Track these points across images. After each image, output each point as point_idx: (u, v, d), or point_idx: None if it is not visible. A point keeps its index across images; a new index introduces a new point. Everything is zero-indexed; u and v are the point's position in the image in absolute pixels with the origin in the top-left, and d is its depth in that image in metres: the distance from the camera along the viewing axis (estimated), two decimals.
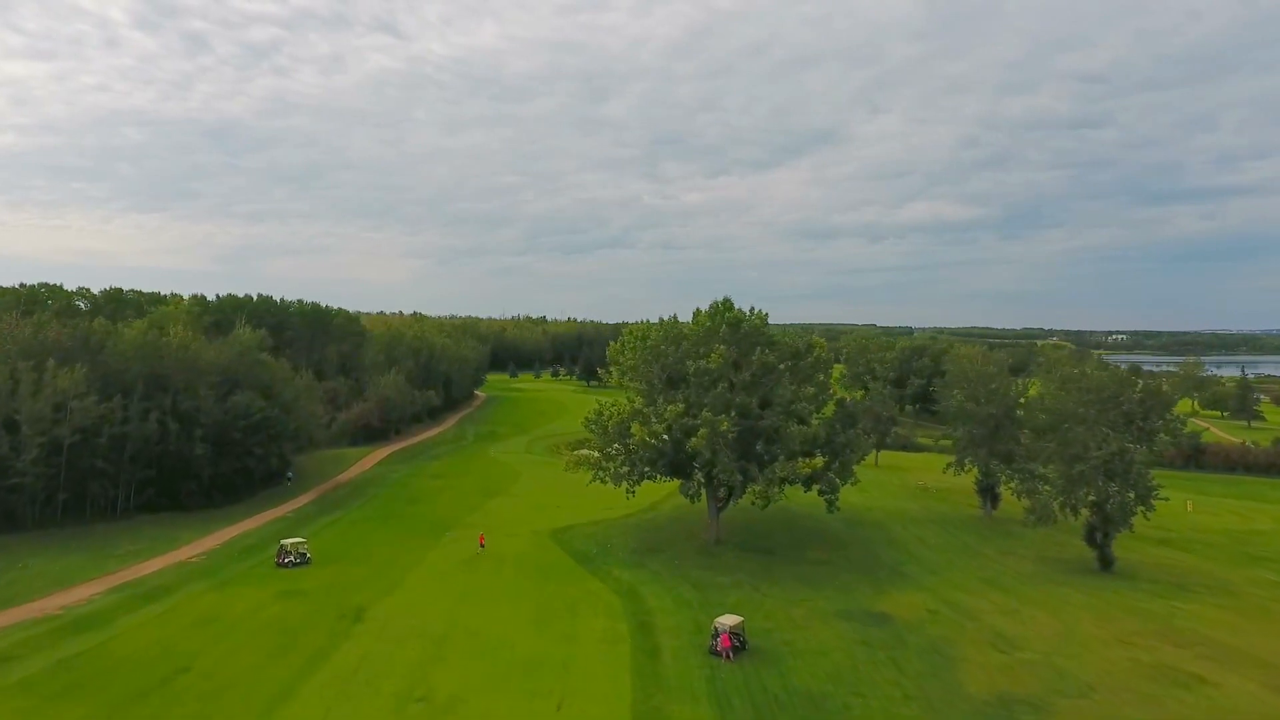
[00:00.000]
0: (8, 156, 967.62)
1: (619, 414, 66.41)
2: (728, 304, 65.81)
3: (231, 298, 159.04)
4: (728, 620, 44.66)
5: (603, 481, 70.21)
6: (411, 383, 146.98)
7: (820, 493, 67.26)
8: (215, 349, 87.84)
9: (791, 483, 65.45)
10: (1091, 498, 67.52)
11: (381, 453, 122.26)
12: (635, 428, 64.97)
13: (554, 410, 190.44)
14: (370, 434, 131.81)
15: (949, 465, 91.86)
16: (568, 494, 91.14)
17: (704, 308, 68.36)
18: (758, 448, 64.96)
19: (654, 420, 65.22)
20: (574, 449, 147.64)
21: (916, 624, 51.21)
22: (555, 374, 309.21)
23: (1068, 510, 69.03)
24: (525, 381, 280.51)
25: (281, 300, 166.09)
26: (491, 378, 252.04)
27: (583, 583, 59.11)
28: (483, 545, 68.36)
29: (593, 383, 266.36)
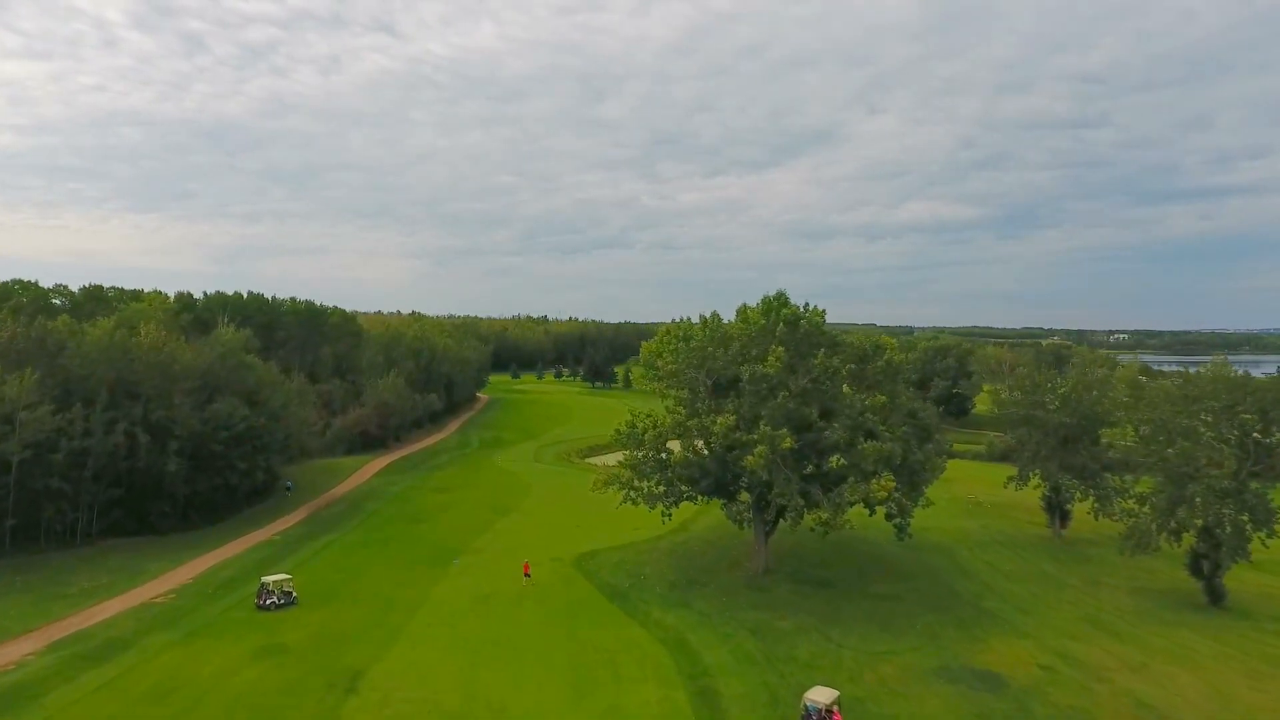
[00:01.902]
0: (4, 157, 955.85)
1: (657, 427, 57.10)
2: (782, 298, 56.68)
3: (219, 295, 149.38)
4: (821, 697, 35.41)
5: (634, 503, 60.94)
6: (411, 386, 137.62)
7: (888, 517, 58.02)
8: (193, 351, 78.37)
9: (851, 504, 56.23)
10: (1199, 521, 58.52)
11: (380, 462, 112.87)
12: (674, 443, 55.92)
13: (561, 414, 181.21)
14: (367, 442, 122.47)
15: (1011, 479, 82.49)
16: (586, 511, 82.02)
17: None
18: (815, 466, 55.92)
19: (695, 434, 56.07)
20: (585, 456, 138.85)
21: (1035, 687, 41.98)
22: (558, 375, 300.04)
23: (1169, 536, 60.13)
24: (528, 383, 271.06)
25: (273, 298, 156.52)
26: (493, 379, 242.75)
27: (620, 629, 49.81)
28: (528, 575, 59.97)
29: (598, 384, 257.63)
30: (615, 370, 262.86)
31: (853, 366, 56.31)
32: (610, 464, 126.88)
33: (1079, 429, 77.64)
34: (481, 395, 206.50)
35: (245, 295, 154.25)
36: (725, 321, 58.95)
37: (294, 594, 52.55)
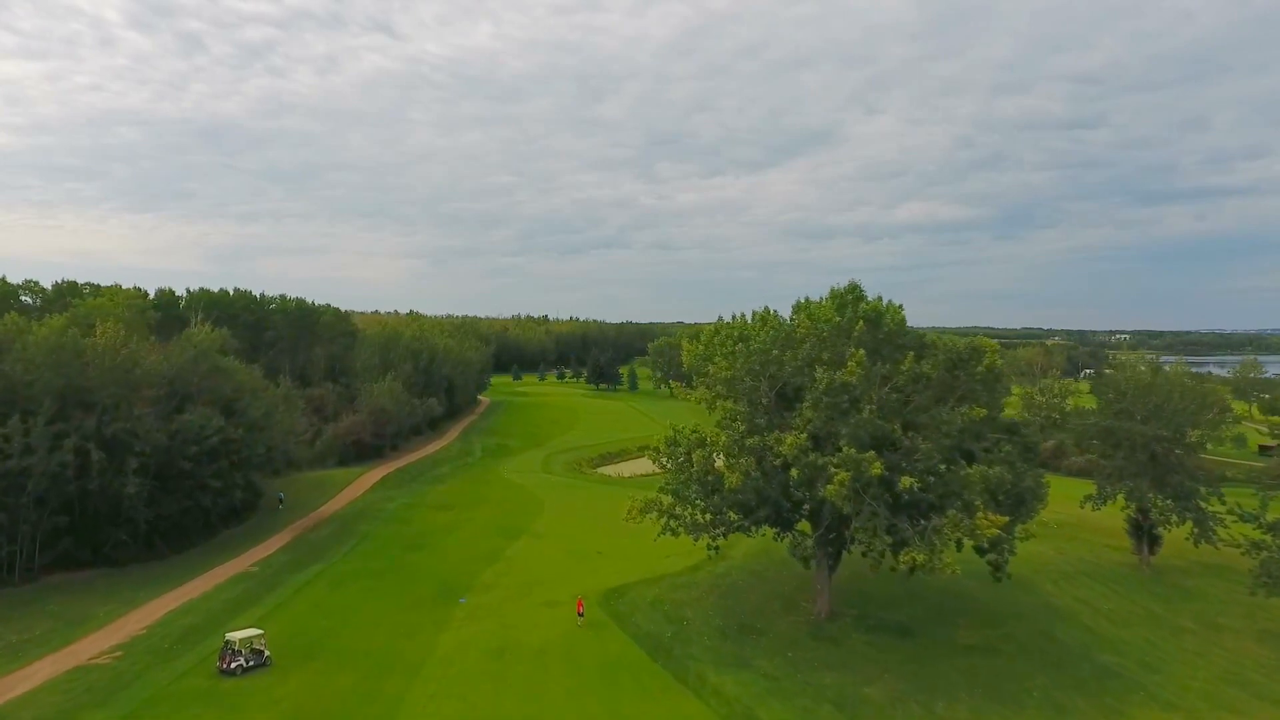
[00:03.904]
0: (1, 156, 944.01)
1: (706, 445, 47.44)
2: (856, 291, 47.01)
3: (204, 292, 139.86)
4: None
5: (674, 534, 51.37)
6: (410, 390, 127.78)
7: (980, 552, 48.39)
8: (160, 353, 68.54)
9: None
10: None
11: (375, 475, 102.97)
12: (722, 467, 46.28)
13: (567, 418, 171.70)
14: (362, 451, 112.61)
15: (1088, 499, 72.77)
16: (607, 532, 72.52)
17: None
18: (890, 492, 46.38)
19: (753, 454, 46.36)
20: (598, 466, 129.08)
21: None
22: (560, 376, 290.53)
23: None
24: (530, 384, 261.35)
25: (262, 296, 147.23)
26: (494, 380, 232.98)
27: (671, 701, 40.13)
28: (581, 614, 51.26)
29: (602, 386, 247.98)
30: (620, 371, 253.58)
31: (943, 374, 46.66)
32: (625, 474, 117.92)
33: (1172, 442, 68.19)
34: (483, 398, 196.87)
35: (232, 292, 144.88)
36: (782, 319, 49.60)
37: (266, 653, 42.77)
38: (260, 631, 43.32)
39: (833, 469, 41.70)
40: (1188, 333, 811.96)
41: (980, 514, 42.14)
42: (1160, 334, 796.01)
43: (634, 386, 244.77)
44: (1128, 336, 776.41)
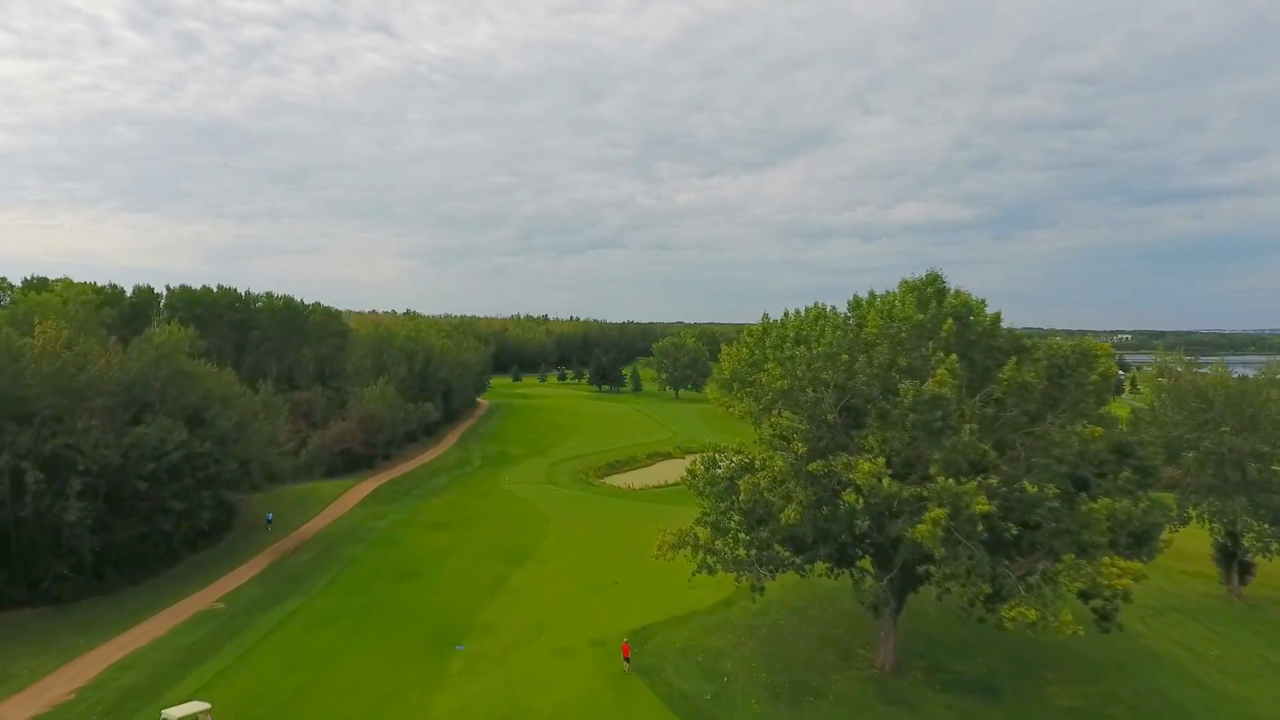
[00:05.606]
0: None
1: (754, 470, 39.07)
2: (936, 282, 38.84)
3: (185, 289, 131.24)
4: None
5: (711, 571, 43.20)
6: (404, 394, 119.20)
7: (1084, 596, 40.08)
8: (113, 357, 60.02)
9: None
10: None
11: (364, 488, 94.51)
12: (774, 498, 37.96)
13: (570, 422, 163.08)
14: (351, 461, 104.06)
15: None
16: (622, 555, 64.57)
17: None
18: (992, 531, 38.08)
19: (803, 485, 37.91)
20: (605, 475, 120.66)
21: None
22: (562, 377, 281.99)
23: None
24: (530, 385, 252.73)
25: (247, 294, 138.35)
26: (494, 381, 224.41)
27: None
28: (628, 659, 44.01)
29: (605, 387, 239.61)
30: (623, 372, 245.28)
31: (1044, 383, 38.33)
32: (636, 485, 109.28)
33: (1270, 458, 60.01)
34: (482, 400, 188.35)
35: (215, 289, 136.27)
36: (842, 316, 41.42)
37: None
38: (206, 706, 34.83)
39: (921, 501, 33.43)
40: (1188, 333, 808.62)
41: (1107, 560, 33.90)
42: (1161, 334, 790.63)
43: (637, 388, 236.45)
44: (1129, 337, 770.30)
